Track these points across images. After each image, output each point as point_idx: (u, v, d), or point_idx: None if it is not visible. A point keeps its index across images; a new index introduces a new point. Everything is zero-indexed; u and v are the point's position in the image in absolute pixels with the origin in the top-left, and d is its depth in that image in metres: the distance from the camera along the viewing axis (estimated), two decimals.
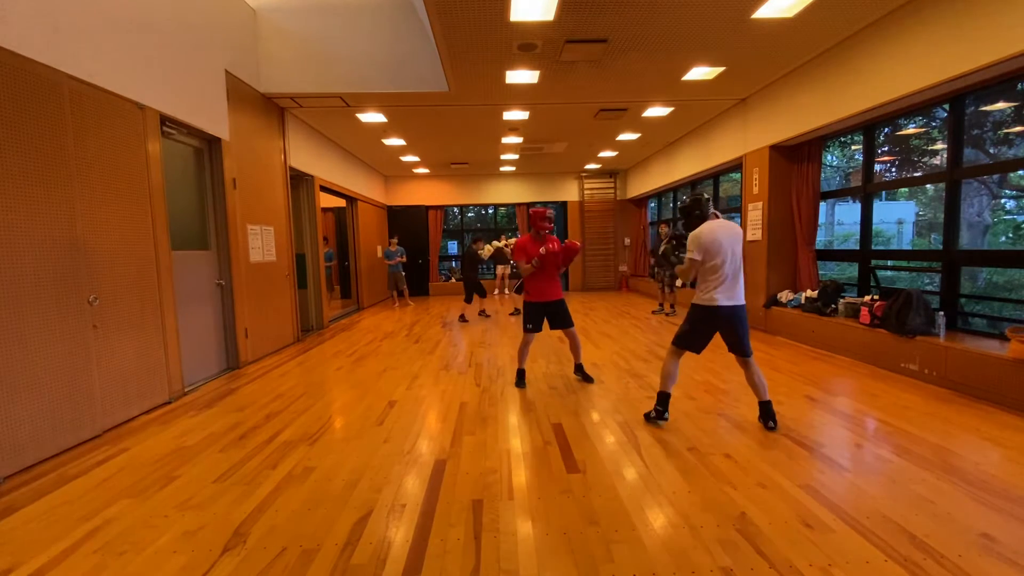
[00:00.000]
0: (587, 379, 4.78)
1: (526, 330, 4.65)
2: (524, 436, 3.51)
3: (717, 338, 3.55)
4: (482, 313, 9.36)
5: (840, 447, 3.21)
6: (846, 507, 2.47)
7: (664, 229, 9.50)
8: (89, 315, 3.64)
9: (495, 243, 9.81)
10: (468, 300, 8.95)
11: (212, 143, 5.46)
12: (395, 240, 11.37)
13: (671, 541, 2.24)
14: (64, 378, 3.43)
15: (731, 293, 3.40)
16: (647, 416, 3.73)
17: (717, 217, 3.51)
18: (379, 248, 12.98)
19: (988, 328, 4.79)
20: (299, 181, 8.28)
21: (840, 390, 4.42)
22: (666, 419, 3.66)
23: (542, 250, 4.40)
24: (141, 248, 4.23)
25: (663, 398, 3.67)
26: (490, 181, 14.38)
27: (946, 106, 4.92)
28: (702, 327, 3.52)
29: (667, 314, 9.13)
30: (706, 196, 3.56)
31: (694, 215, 3.55)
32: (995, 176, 6.70)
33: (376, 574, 2.06)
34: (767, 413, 3.50)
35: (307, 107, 7.29)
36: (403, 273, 11.56)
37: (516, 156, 11.65)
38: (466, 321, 8.89)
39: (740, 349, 3.48)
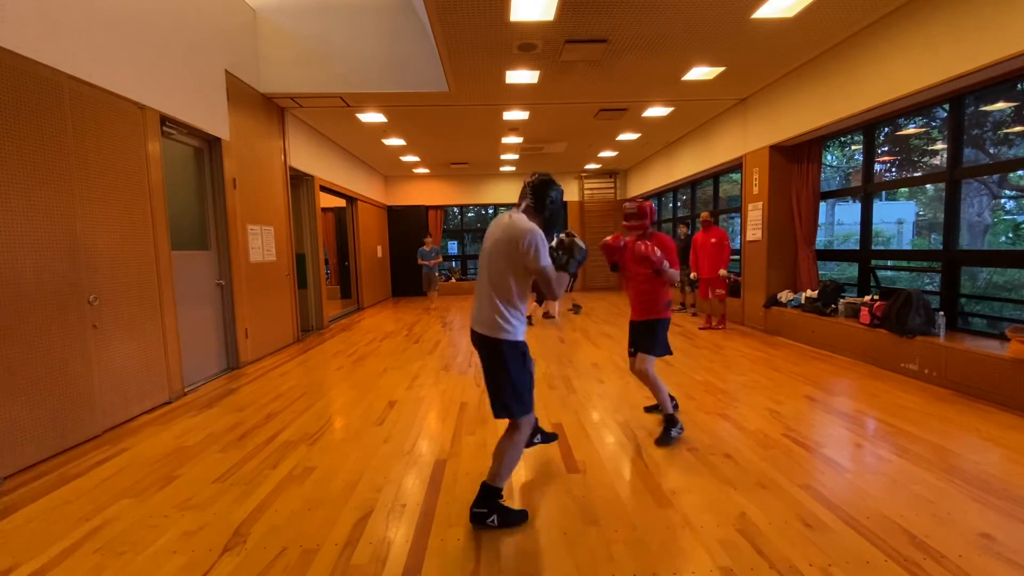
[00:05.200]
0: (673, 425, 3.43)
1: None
2: None
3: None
4: (575, 308, 9.62)
5: (840, 447, 3.21)
6: (846, 507, 2.47)
7: (683, 229, 9.33)
8: (89, 315, 3.64)
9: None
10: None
11: (212, 143, 5.46)
12: (429, 239, 10.44)
13: (671, 541, 2.24)
14: (64, 378, 3.42)
15: (475, 312, 2.46)
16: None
17: (518, 208, 2.45)
18: (379, 248, 12.95)
19: (988, 328, 4.79)
20: (299, 181, 8.28)
21: (840, 390, 4.42)
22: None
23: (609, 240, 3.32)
24: (141, 248, 4.23)
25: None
26: (490, 181, 14.38)
27: (946, 106, 4.92)
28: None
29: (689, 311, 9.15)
30: (539, 180, 2.44)
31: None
32: (995, 176, 6.70)
33: (376, 574, 2.06)
34: (483, 499, 2.35)
35: (307, 107, 7.29)
36: (437, 273, 10.70)
37: (516, 156, 11.65)
38: (552, 318, 8.78)
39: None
